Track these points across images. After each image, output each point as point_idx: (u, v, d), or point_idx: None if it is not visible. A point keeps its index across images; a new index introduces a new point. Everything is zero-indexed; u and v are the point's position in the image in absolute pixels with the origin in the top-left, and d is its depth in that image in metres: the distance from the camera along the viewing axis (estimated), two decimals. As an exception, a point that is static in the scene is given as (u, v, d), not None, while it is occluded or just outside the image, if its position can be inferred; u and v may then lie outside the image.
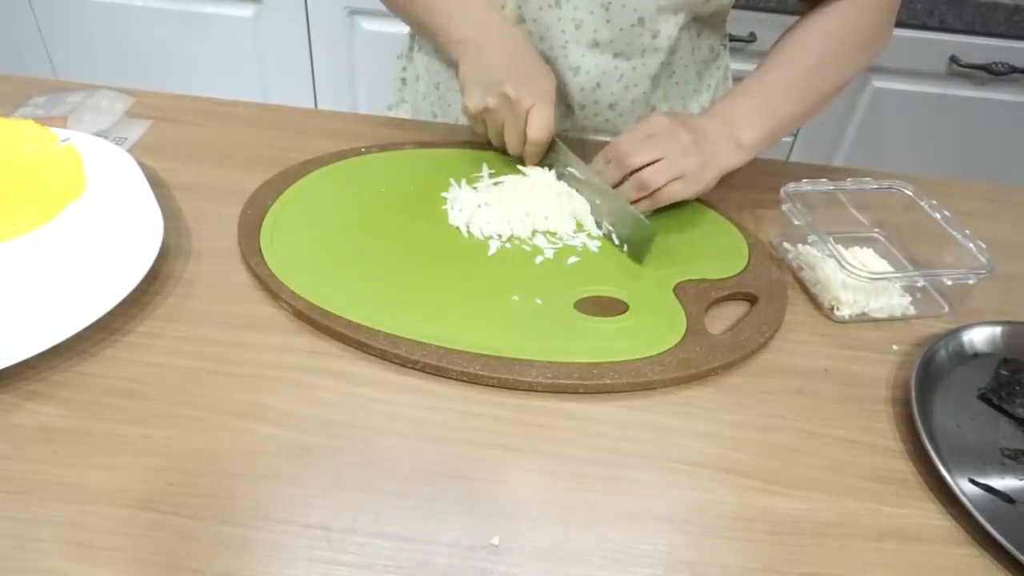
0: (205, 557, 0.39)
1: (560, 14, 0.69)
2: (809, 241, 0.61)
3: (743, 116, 0.66)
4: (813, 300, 0.60)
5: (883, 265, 0.61)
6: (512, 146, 0.67)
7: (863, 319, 0.58)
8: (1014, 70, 1.27)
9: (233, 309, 0.53)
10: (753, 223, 0.67)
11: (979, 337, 0.56)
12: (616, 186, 0.63)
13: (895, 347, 0.56)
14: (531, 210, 0.62)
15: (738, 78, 1.40)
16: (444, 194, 0.65)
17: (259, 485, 0.42)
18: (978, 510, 0.43)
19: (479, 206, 0.62)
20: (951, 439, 0.49)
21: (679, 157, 0.62)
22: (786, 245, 0.64)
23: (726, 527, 0.43)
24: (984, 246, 0.58)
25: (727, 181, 0.73)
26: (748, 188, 0.72)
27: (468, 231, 0.61)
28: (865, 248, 0.62)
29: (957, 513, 0.44)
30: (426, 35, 0.73)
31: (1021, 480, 0.47)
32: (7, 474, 0.42)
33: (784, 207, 0.62)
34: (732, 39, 1.28)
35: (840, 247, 0.58)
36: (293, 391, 0.48)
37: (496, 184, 0.65)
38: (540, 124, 0.64)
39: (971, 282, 0.58)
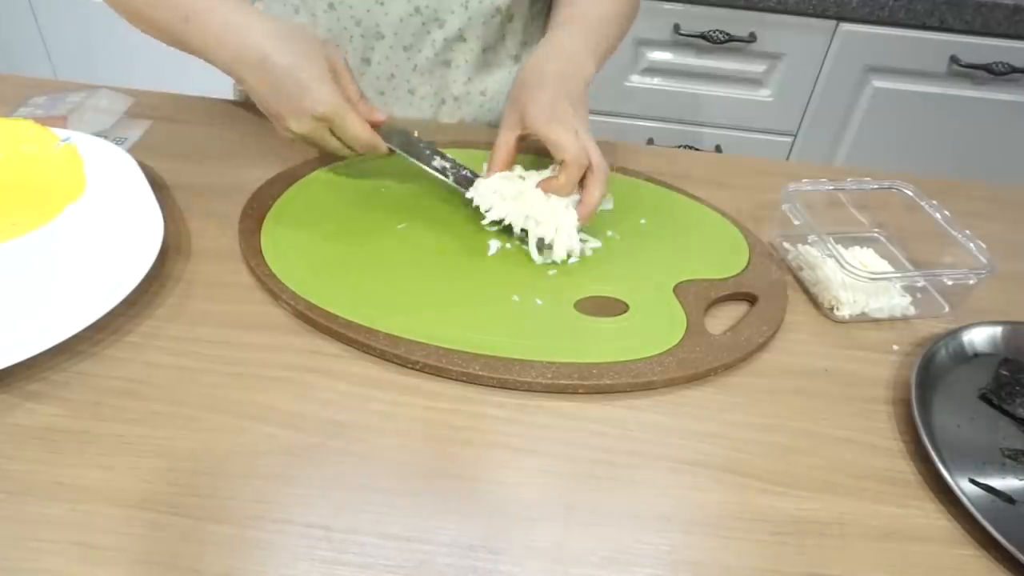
0: (205, 557, 0.39)
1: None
2: (809, 241, 0.61)
3: (582, 53, 0.66)
4: (813, 300, 0.60)
5: (883, 265, 0.61)
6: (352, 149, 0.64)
7: (863, 319, 0.58)
8: (1014, 70, 1.27)
9: (233, 309, 0.53)
10: (753, 223, 0.67)
11: (979, 337, 0.56)
12: (580, 183, 0.60)
13: (895, 347, 0.56)
14: (531, 212, 0.61)
15: (733, 76, 1.40)
16: (469, 191, 0.62)
17: (259, 485, 0.42)
18: (978, 510, 0.43)
19: (497, 192, 0.61)
20: (951, 439, 0.49)
21: (585, 121, 0.61)
22: (786, 245, 0.64)
23: (727, 527, 0.43)
24: (984, 246, 0.59)
25: (727, 181, 0.73)
26: (748, 188, 0.72)
27: (477, 210, 0.61)
28: (865, 248, 0.62)
29: (957, 513, 0.44)
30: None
31: (1021, 480, 0.47)
32: (7, 474, 0.42)
33: (784, 207, 0.62)
34: (732, 39, 1.28)
35: (840, 247, 0.58)
36: (293, 391, 0.48)
37: (521, 178, 0.62)
38: (356, 134, 0.61)
39: (971, 282, 0.58)
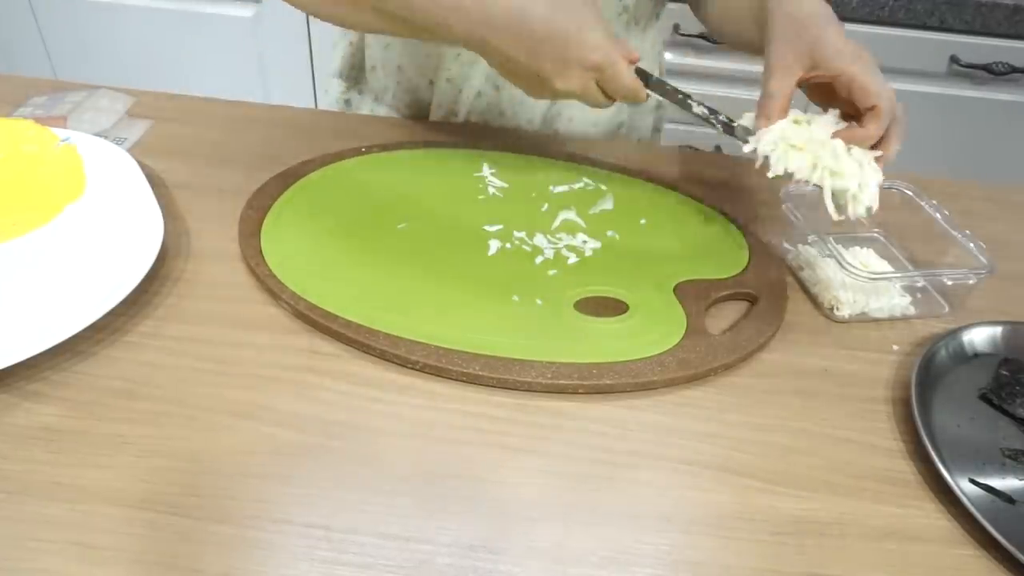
0: (205, 557, 0.39)
1: None
2: (809, 241, 0.61)
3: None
4: (813, 300, 0.60)
5: (883, 265, 0.61)
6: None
7: (863, 319, 0.58)
8: (1014, 70, 1.27)
9: (233, 309, 0.53)
10: (753, 223, 0.67)
11: (979, 337, 0.56)
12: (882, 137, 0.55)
13: (895, 347, 0.56)
14: (828, 164, 0.55)
15: (733, 76, 1.40)
16: (750, 141, 0.57)
17: (259, 485, 0.42)
18: (978, 510, 0.43)
19: (785, 140, 0.55)
20: (951, 439, 0.49)
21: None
22: (786, 245, 0.64)
23: (727, 527, 0.43)
24: (984, 246, 0.58)
25: (727, 182, 0.73)
26: (748, 188, 0.72)
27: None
28: (865, 248, 0.62)
29: (957, 513, 0.44)
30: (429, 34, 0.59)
31: (1021, 480, 0.47)
32: (6, 474, 0.41)
33: (784, 207, 0.62)
34: (732, 39, 1.29)
35: (840, 247, 0.58)
36: (293, 391, 0.48)
37: (796, 123, 0.56)
38: (624, 83, 0.56)
39: (971, 282, 0.58)
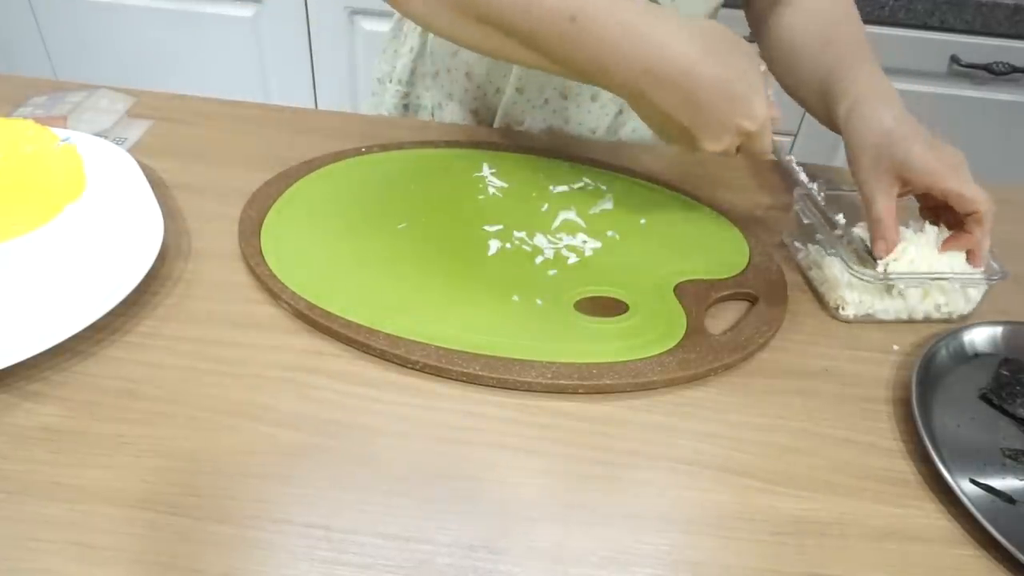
0: (204, 557, 0.39)
1: None
2: (817, 240, 0.61)
3: (887, 81, 0.64)
4: (820, 300, 0.60)
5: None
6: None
7: (868, 319, 0.58)
8: (1015, 70, 1.27)
9: (233, 309, 0.53)
10: (753, 223, 0.67)
11: (979, 337, 0.56)
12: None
13: (895, 347, 0.56)
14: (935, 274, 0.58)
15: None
16: (884, 257, 0.57)
17: (259, 485, 0.42)
18: (978, 510, 0.43)
19: (914, 262, 0.57)
20: (951, 439, 0.49)
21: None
22: (796, 244, 0.64)
23: (727, 527, 0.43)
24: (994, 250, 0.58)
25: (727, 182, 0.73)
26: (748, 188, 0.72)
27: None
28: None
29: (957, 513, 0.44)
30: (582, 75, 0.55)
31: (1021, 480, 0.47)
32: (5, 474, 0.41)
33: (796, 207, 0.62)
34: (732, 39, 1.29)
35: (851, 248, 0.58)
36: (293, 391, 0.48)
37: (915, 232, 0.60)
38: (766, 146, 0.56)
39: (983, 287, 0.58)
